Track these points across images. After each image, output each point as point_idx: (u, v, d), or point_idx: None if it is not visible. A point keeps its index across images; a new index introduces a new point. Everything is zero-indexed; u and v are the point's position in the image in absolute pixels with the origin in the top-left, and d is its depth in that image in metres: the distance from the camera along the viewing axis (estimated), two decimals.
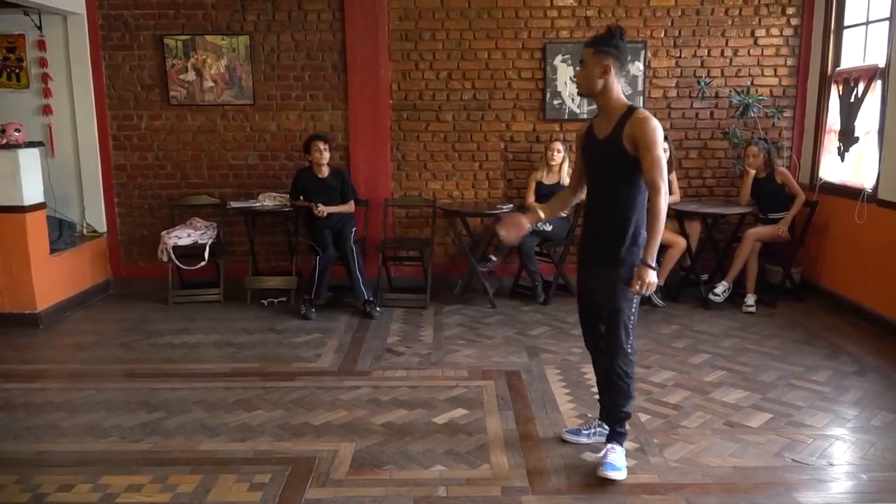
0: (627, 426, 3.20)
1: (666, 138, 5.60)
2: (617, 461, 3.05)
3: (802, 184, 5.84)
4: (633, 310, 3.03)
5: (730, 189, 6.20)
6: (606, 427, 3.25)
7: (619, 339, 3.02)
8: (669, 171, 5.68)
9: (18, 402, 3.92)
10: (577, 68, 3.00)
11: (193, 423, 3.60)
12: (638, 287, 2.90)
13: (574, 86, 5.93)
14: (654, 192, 2.87)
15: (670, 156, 5.59)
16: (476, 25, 6.01)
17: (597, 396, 3.41)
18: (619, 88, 2.98)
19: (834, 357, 4.49)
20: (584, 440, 3.34)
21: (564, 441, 3.35)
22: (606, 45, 2.92)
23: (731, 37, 6.03)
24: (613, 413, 3.15)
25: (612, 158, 2.95)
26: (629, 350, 3.05)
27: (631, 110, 2.93)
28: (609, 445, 3.13)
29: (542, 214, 3.25)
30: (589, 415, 3.61)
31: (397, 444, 3.35)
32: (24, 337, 5.03)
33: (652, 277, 2.88)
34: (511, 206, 5.97)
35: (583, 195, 3.23)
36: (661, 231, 2.88)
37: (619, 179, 2.96)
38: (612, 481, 2.98)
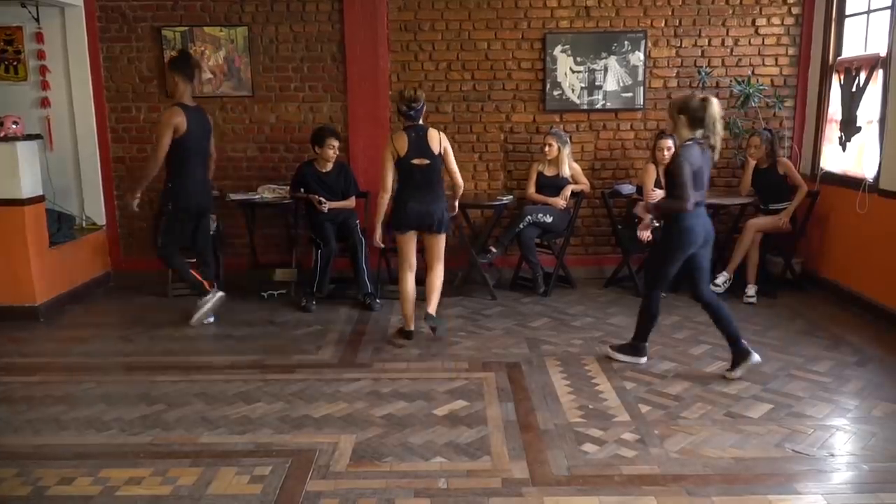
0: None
1: (671, 135, 5.56)
2: None
3: (803, 174, 5.81)
4: None
5: (731, 179, 6.18)
6: None
7: None
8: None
9: (18, 395, 3.92)
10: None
11: (193, 416, 3.60)
12: None
13: (574, 77, 6.03)
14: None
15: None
16: (476, 16, 5.98)
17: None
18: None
19: (835, 347, 4.48)
20: None
21: None
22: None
23: (731, 26, 6.00)
24: None
25: None
26: None
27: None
28: None
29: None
30: (590, 406, 3.62)
31: (398, 437, 3.35)
32: (23, 330, 5.03)
33: None
34: (511, 197, 5.96)
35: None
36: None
37: None
38: (614, 474, 2.99)
